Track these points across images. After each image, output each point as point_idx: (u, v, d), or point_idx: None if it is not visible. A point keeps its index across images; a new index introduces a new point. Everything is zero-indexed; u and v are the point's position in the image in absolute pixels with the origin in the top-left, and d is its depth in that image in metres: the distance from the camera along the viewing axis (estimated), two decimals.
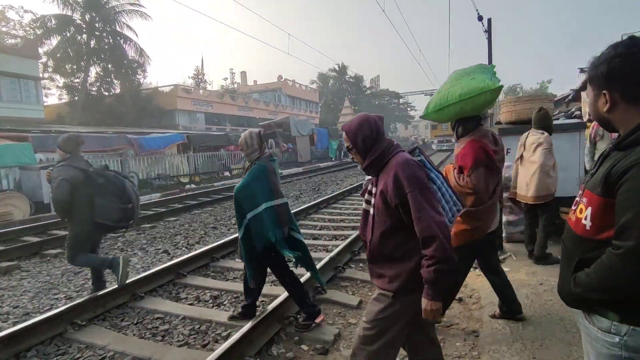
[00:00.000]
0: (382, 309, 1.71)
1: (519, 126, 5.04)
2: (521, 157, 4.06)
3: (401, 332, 1.74)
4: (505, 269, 3.96)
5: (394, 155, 1.69)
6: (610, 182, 1.04)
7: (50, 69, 24.11)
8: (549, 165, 3.87)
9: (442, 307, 1.61)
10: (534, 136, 3.98)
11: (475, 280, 3.83)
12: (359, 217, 5.77)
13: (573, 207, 1.21)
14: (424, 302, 1.57)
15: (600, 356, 1.11)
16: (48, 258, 5.57)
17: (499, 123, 5.75)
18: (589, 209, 1.10)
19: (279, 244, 2.84)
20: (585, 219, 1.11)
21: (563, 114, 10.04)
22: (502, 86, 2.49)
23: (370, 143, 1.73)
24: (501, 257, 4.29)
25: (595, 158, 1.65)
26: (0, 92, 18.78)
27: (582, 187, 1.18)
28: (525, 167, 4.01)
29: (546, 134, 3.95)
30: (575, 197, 1.56)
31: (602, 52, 1.15)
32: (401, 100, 59.23)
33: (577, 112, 8.98)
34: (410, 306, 1.68)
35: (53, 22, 22.95)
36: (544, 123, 4.00)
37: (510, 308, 2.88)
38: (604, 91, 1.10)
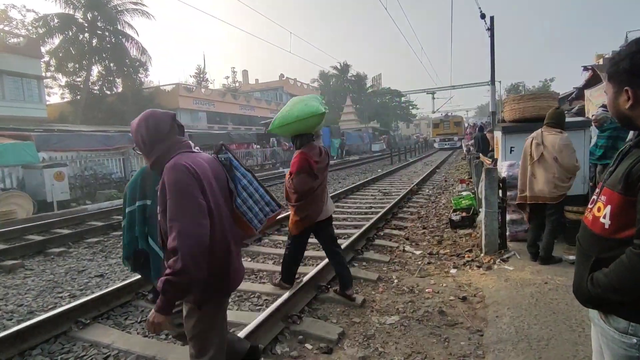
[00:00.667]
0: (195, 324, 1.70)
1: (523, 124, 5.03)
2: (541, 156, 3.89)
3: (222, 331, 1.79)
4: (509, 268, 3.97)
5: (174, 156, 1.60)
6: (631, 181, 1.02)
7: (52, 68, 24.16)
8: (578, 166, 3.84)
9: (166, 321, 1.51)
10: (553, 135, 3.86)
11: (479, 279, 3.82)
12: (362, 216, 5.76)
13: (590, 206, 1.19)
14: (150, 313, 1.51)
15: (616, 357, 1.10)
16: (52, 256, 5.59)
17: (503, 121, 5.73)
18: (608, 207, 1.08)
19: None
20: (604, 217, 1.09)
21: (567, 111, 9.98)
22: (326, 111, 3.32)
23: (149, 142, 1.63)
24: (505, 256, 4.28)
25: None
26: (3, 91, 18.84)
27: (600, 185, 1.16)
28: (548, 167, 3.85)
29: (565, 133, 3.91)
30: (580, 195, 1.57)
31: (622, 48, 1.14)
32: (403, 99, 59.02)
33: (579, 110, 8.94)
34: (217, 310, 1.75)
35: (55, 21, 22.98)
36: (561, 121, 3.96)
37: (343, 286, 3.50)
38: (626, 87, 1.08)
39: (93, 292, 3.93)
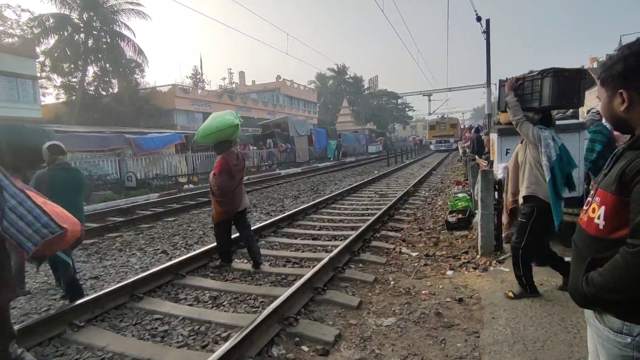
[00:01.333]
0: None
1: None
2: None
3: None
4: (505, 269, 3.98)
5: None
6: (625, 181, 1.03)
7: (47, 69, 24.01)
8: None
9: None
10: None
11: (476, 281, 3.83)
12: (358, 218, 5.86)
13: (585, 207, 1.20)
14: None
15: (611, 357, 1.11)
16: (46, 258, 5.53)
17: (498, 124, 5.75)
18: (603, 207, 1.09)
19: None
20: (599, 218, 1.10)
21: (561, 114, 10.03)
22: (239, 123, 4.32)
23: None
24: (501, 258, 4.30)
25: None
26: None
27: (595, 186, 1.18)
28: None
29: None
30: (575, 197, 1.59)
31: (614, 53, 1.15)
32: (399, 101, 59.29)
33: (574, 112, 9.01)
34: None
35: (51, 21, 22.86)
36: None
37: (255, 262, 4.49)
38: (621, 90, 1.09)
39: (87, 294, 3.89)
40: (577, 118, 7.25)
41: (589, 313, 1.21)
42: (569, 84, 2.95)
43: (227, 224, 4.57)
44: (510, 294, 3.28)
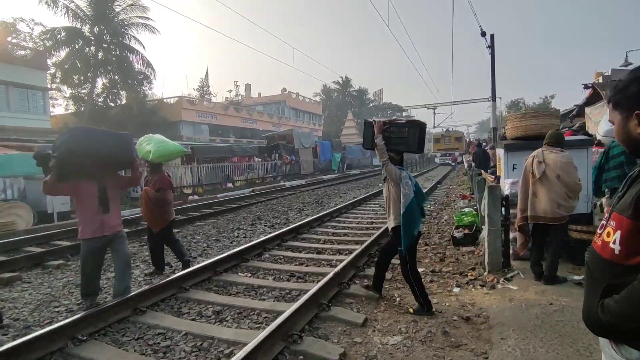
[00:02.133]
0: None
1: (525, 142, 5.03)
2: (543, 174, 3.84)
3: None
4: (513, 287, 3.91)
5: None
6: None
7: (57, 80, 24.47)
8: (580, 185, 3.83)
9: None
10: (555, 154, 3.87)
11: (483, 299, 3.76)
12: (364, 231, 5.85)
13: (599, 231, 1.16)
14: None
15: None
16: (50, 269, 5.54)
17: (504, 138, 5.73)
18: (618, 232, 1.06)
19: None
20: (614, 242, 1.06)
21: (567, 129, 10.01)
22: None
23: None
24: (509, 275, 4.23)
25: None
26: (9, 102, 19.04)
27: (609, 209, 1.15)
28: (551, 186, 3.81)
29: (566, 151, 3.91)
30: (584, 214, 1.57)
31: (625, 76, 1.14)
32: (404, 114, 59.47)
33: (580, 127, 8.99)
34: None
35: (62, 34, 23.38)
36: (560, 141, 3.99)
37: (157, 267, 5.15)
38: (637, 112, 1.07)
39: (90, 307, 3.87)
40: (584, 132, 7.21)
41: (604, 341, 1.16)
42: (422, 134, 3.57)
43: (171, 231, 5.28)
44: (411, 310, 3.59)
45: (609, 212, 1.15)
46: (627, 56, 14.92)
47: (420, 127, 3.52)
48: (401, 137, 3.51)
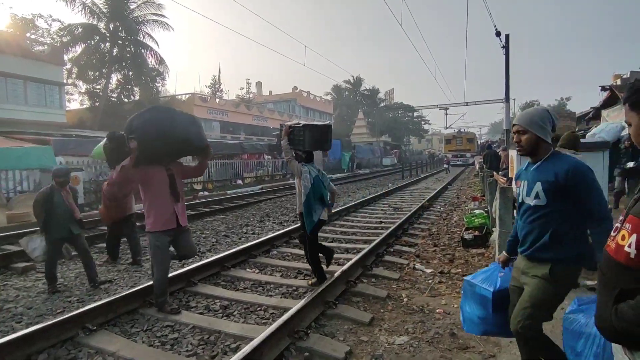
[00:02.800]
0: None
1: None
2: None
3: None
4: None
5: None
6: None
7: (74, 75, 24.91)
8: None
9: None
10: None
11: None
12: (372, 231, 5.83)
13: (613, 234, 1.14)
14: None
15: None
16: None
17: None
18: (634, 236, 1.03)
19: None
20: (629, 246, 1.04)
21: (583, 131, 9.81)
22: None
23: None
24: None
25: None
26: (27, 97, 19.44)
27: (624, 212, 1.12)
28: None
29: (580, 154, 3.84)
30: None
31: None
32: (415, 114, 59.03)
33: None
34: None
35: (79, 30, 23.79)
36: (575, 144, 3.93)
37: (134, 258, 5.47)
38: None
39: (101, 298, 3.94)
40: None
41: (617, 348, 1.13)
42: (321, 135, 4.20)
43: (117, 225, 5.47)
44: (310, 282, 4.23)
45: (624, 215, 1.12)
46: None
47: (310, 129, 4.07)
48: (300, 139, 4.06)
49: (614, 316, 1.04)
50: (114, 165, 3.98)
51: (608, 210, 1.91)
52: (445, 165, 29.14)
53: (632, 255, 1.03)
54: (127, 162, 3.35)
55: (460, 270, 4.78)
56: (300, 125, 4.09)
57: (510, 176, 5.92)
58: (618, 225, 1.13)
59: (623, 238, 1.07)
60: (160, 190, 3.51)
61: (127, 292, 3.76)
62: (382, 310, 3.68)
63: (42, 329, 2.99)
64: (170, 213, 3.55)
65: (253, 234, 7.32)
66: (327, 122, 3.83)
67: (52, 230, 4.31)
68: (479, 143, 40.25)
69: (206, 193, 14.19)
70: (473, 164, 28.61)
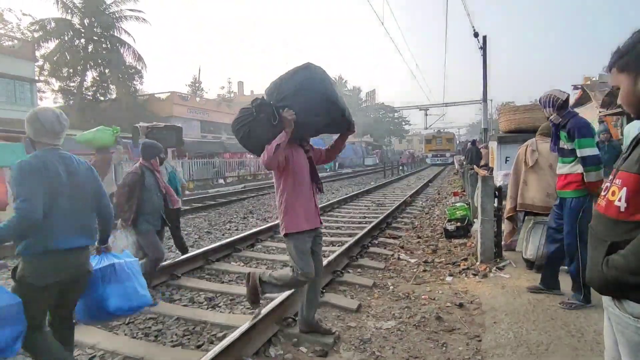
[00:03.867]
0: None
1: (518, 135, 5.09)
2: (536, 162, 3.83)
3: None
4: (505, 276, 3.96)
5: None
6: None
7: (46, 72, 23.99)
8: None
9: None
10: (547, 143, 3.76)
11: (476, 287, 3.78)
12: (356, 225, 5.82)
13: (603, 193, 1.17)
14: None
15: (631, 344, 1.07)
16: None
17: (498, 132, 5.79)
18: (624, 189, 1.06)
19: None
20: (619, 200, 1.07)
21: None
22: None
23: None
24: (501, 265, 4.27)
25: None
26: None
27: (614, 171, 1.15)
28: (543, 175, 3.80)
29: None
30: None
31: (628, 40, 1.14)
32: (396, 115, 59.80)
33: None
34: None
35: (52, 24, 22.95)
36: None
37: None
38: None
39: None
40: None
41: (607, 301, 1.17)
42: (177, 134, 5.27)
43: None
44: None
45: (613, 174, 1.15)
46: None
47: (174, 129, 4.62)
48: (164, 138, 4.77)
49: (604, 266, 1.07)
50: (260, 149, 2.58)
51: None
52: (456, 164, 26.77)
53: (622, 209, 1.06)
54: (280, 137, 2.44)
55: (443, 259, 4.85)
56: (162, 125, 4.86)
57: (491, 166, 6.06)
58: (608, 184, 1.17)
59: (613, 194, 1.10)
60: (302, 177, 2.70)
61: None
62: (368, 298, 3.69)
63: None
64: (313, 208, 2.75)
65: (237, 230, 7.23)
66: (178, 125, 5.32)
67: (144, 222, 3.52)
68: (457, 143, 41.17)
69: (187, 192, 13.92)
70: (452, 163, 29.22)
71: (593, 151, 2.88)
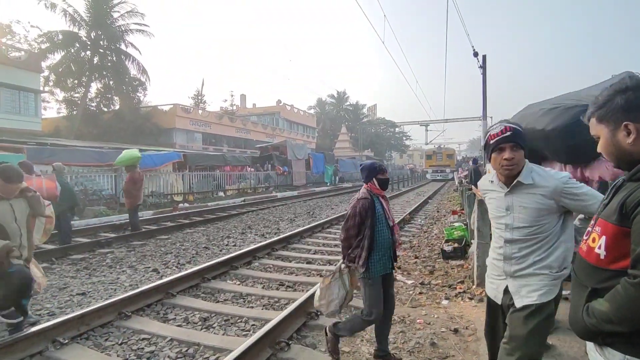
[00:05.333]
0: None
1: None
2: None
3: None
4: None
5: None
6: (625, 212, 1.04)
7: (51, 83, 24.33)
8: None
9: None
10: None
11: (471, 312, 3.77)
12: None
13: (584, 237, 1.20)
14: None
15: None
16: None
17: None
18: (603, 237, 1.09)
19: None
20: (599, 248, 1.10)
21: None
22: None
23: None
24: None
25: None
26: (0, 103, 18.81)
27: (595, 217, 1.18)
28: None
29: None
30: None
31: (605, 91, 1.18)
32: (397, 130, 60.21)
33: None
34: None
35: (60, 37, 23.39)
36: None
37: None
38: (625, 122, 1.10)
39: (73, 311, 3.78)
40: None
41: (590, 346, 1.19)
42: None
43: None
44: None
45: (594, 219, 1.18)
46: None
47: None
48: None
49: (584, 314, 1.09)
50: None
51: None
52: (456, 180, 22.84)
53: (602, 256, 1.09)
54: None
55: (440, 281, 4.84)
56: None
57: None
58: (589, 229, 1.19)
59: (594, 240, 1.13)
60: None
61: (100, 305, 3.63)
62: None
63: (9, 343, 2.84)
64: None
65: (234, 245, 7.22)
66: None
67: (377, 262, 2.65)
68: (458, 159, 41.29)
69: (186, 205, 13.93)
70: (452, 179, 29.26)
71: None
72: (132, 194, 8.06)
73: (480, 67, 16.17)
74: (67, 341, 3.09)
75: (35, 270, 3.48)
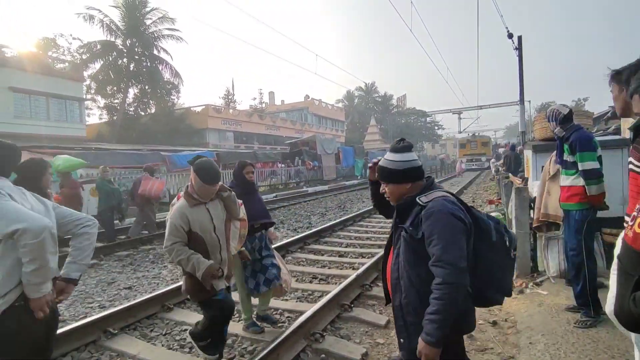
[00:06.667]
0: None
1: (554, 143, 4.85)
2: (557, 172, 3.63)
3: None
4: (542, 292, 3.79)
5: None
6: None
7: (92, 91, 25.82)
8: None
9: None
10: None
11: (511, 304, 3.64)
12: (387, 235, 5.68)
13: (630, 223, 1.12)
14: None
15: None
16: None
17: (533, 140, 5.57)
18: None
19: None
20: None
21: (602, 131, 9.57)
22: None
23: None
24: (538, 280, 4.08)
25: None
26: (49, 113, 20.19)
27: None
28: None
29: None
30: (619, 217, 1.48)
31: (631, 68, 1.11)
32: (428, 119, 58.69)
33: (615, 130, 8.58)
34: None
35: (98, 47, 24.71)
36: None
37: None
38: None
39: (121, 304, 4.03)
40: (620, 135, 6.90)
41: (637, 337, 1.12)
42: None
43: None
44: None
45: None
46: None
47: None
48: None
49: (632, 304, 1.03)
50: None
51: None
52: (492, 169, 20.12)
53: None
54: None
55: None
56: None
57: (526, 176, 5.83)
58: (635, 213, 1.12)
59: None
60: None
61: (146, 297, 3.85)
62: None
63: (66, 333, 3.08)
64: None
65: None
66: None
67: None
68: (494, 146, 39.64)
69: None
70: (489, 167, 28.16)
71: (594, 164, 2.91)
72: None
73: (516, 48, 15.37)
74: (117, 331, 3.31)
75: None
